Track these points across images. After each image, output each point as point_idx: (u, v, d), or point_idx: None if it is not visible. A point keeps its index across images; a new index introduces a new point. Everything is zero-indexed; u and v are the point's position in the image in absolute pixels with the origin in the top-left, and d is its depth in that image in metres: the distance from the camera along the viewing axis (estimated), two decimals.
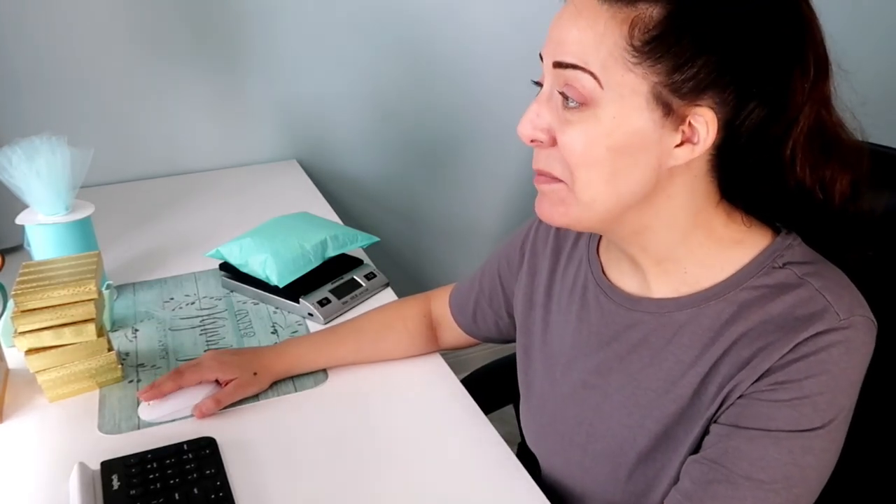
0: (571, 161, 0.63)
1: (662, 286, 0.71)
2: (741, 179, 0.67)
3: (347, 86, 1.73)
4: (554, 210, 0.67)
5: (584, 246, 0.81)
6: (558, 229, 0.84)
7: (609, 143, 0.61)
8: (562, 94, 0.62)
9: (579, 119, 0.62)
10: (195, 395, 0.88)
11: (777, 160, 0.63)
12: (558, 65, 0.62)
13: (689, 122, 0.61)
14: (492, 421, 0.89)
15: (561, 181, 0.65)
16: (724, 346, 0.66)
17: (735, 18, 0.59)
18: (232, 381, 0.89)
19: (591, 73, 0.60)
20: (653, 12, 0.58)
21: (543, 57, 0.65)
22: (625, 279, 0.75)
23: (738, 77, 0.60)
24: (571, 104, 0.62)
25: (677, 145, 0.62)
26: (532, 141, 0.66)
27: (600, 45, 0.60)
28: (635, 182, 0.63)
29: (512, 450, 0.84)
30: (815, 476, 0.63)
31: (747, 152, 0.63)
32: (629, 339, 0.73)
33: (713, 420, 0.67)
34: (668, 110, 0.60)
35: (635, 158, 0.62)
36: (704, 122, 0.61)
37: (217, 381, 0.90)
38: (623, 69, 0.59)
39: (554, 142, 0.64)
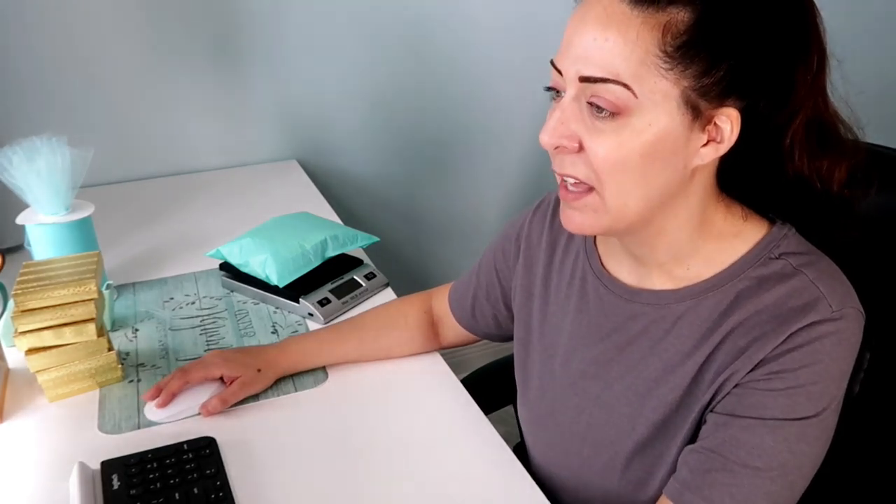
0: (603, 168, 0.63)
1: (663, 279, 0.72)
2: (742, 172, 0.68)
3: (348, 86, 1.73)
4: (585, 222, 0.67)
5: (581, 238, 0.81)
6: (553, 220, 0.85)
7: (642, 149, 0.62)
8: (591, 104, 0.62)
9: (612, 128, 0.61)
10: (201, 394, 0.88)
11: (777, 151, 0.64)
12: (586, 79, 0.61)
13: (715, 122, 0.62)
14: (492, 421, 0.89)
15: (589, 187, 0.65)
16: (721, 335, 0.67)
17: (757, 18, 0.59)
18: (236, 378, 0.90)
19: (625, 85, 0.60)
20: (683, 16, 0.59)
21: (562, 68, 0.63)
22: (623, 271, 0.76)
23: (758, 75, 0.60)
24: (603, 113, 0.61)
25: (703, 145, 0.63)
26: (556, 148, 0.65)
27: (632, 54, 0.59)
28: (664, 184, 0.64)
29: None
30: (808, 463, 0.64)
31: (752, 145, 0.64)
32: (629, 331, 0.74)
33: (708, 409, 0.68)
34: (696, 113, 0.61)
35: (666, 162, 0.63)
36: (729, 122, 0.61)
37: (221, 379, 0.91)
38: (656, 76, 0.59)
39: (580, 148, 0.64)
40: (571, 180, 0.66)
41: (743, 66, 0.60)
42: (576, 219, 0.68)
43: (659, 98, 0.60)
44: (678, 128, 0.61)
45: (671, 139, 0.62)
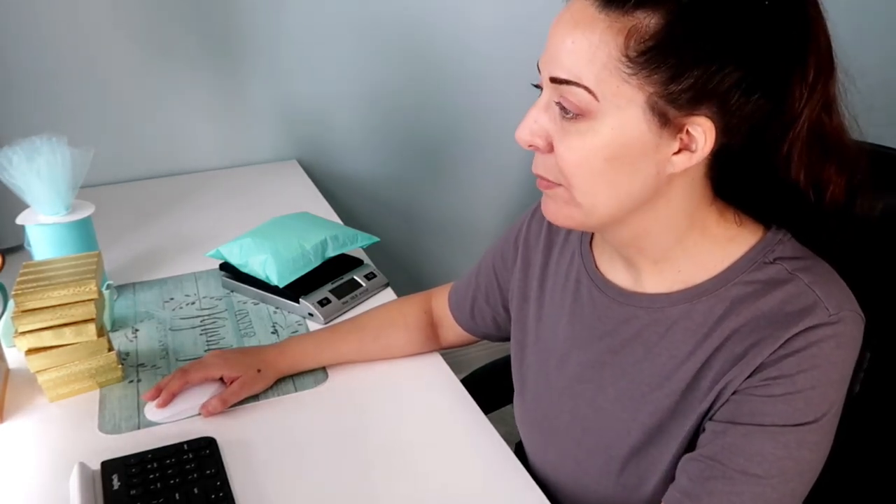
0: (570, 170, 0.64)
1: (656, 282, 0.72)
2: (736, 180, 0.67)
3: (348, 86, 1.73)
4: (559, 212, 0.68)
5: (577, 240, 0.81)
6: (551, 223, 0.85)
7: (607, 153, 0.62)
8: (559, 104, 0.63)
9: (577, 130, 0.62)
10: (201, 394, 0.88)
11: (772, 161, 0.64)
12: (554, 80, 0.62)
13: (687, 130, 0.61)
14: (492, 421, 0.89)
15: (560, 185, 0.66)
16: (717, 341, 0.67)
17: (732, 30, 0.58)
18: (237, 379, 0.90)
19: (586, 88, 0.60)
20: (650, 22, 0.58)
21: (540, 68, 0.65)
22: (618, 274, 0.76)
23: (737, 85, 0.59)
24: (569, 115, 0.62)
25: (675, 153, 0.62)
26: (530, 146, 0.66)
27: (594, 57, 0.59)
28: (634, 189, 0.64)
29: (511, 449, 0.84)
30: (808, 469, 0.64)
31: (744, 155, 0.64)
32: (622, 334, 0.74)
33: (707, 416, 0.67)
34: (664, 120, 0.60)
35: (633, 167, 0.62)
36: (702, 131, 0.60)
37: (221, 380, 0.91)
38: (618, 80, 0.59)
39: (551, 148, 0.65)
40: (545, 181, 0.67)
41: (716, 75, 0.58)
42: (551, 207, 0.69)
43: (623, 103, 0.60)
44: (645, 134, 0.61)
45: (638, 145, 0.61)
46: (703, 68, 0.58)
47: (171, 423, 0.87)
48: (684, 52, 0.58)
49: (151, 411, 0.87)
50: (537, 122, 0.65)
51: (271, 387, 0.93)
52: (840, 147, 0.64)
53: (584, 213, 0.66)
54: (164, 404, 0.87)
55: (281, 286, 1.09)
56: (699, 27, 0.58)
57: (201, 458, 0.79)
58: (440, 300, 1.01)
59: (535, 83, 0.67)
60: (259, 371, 0.91)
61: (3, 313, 0.98)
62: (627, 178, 0.63)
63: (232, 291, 1.17)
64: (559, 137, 0.63)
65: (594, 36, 0.59)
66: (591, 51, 0.59)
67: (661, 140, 0.61)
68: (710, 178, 0.67)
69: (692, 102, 0.59)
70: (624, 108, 0.60)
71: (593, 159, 0.62)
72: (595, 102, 0.60)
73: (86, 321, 0.89)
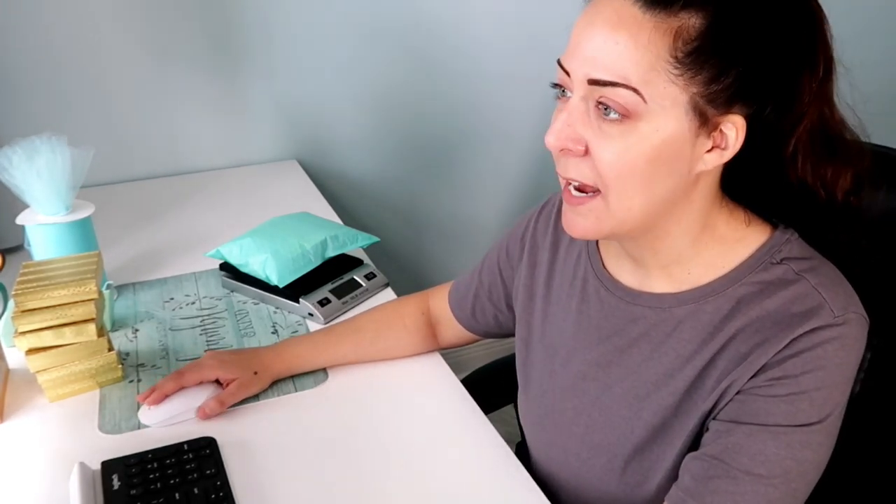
0: (609, 173, 0.63)
1: (664, 282, 0.72)
2: (745, 178, 0.67)
3: (348, 86, 1.73)
4: (589, 227, 0.67)
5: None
6: (557, 220, 0.85)
7: (650, 155, 0.61)
8: (599, 106, 0.61)
9: (620, 132, 0.61)
10: (196, 397, 0.88)
11: (780, 158, 0.64)
12: (594, 82, 0.61)
13: (720, 129, 0.62)
14: (492, 421, 0.89)
15: (594, 191, 0.65)
16: (722, 341, 0.67)
17: (766, 25, 0.59)
18: (233, 381, 0.89)
19: (634, 89, 0.59)
20: (694, 23, 0.58)
21: (570, 70, 0.63)
22: (625, 273, 0.76)
23: (765, 82, 0.60)
24: (611, 116, 0.61)
25: (707, 151, 0.63)
26: (561, 150, 0.65)
27: (642, 58, 0.59)
28: (668, 189, 0.64)
29: (511, 449, 0.84)
30: (811, 470, 0.64)
31: (756, 151, 0.64)
32: (629, 333, 0.74)
33: (710, 415, 0.68)
34: (703, 119, 0.61)
35: (671, 167, 0.63)
36: (734, 129, 0.61)
37: (218, 382, 0.90)
38: (665, 81, 0.59)
39: (586, 151, 0.63)
40: (575, 184, 0.66)
41: (751, 73, 0.60)
42: (579, 223, 0.68)
43: (668, 104, 0.60)
44: (685, 134, 0.61)
45: (677, 145, 0.61)
46: (740, 67, 0.59)
47: (166, 426, 0.86)
48: (726, 51, 0.59)
49: (145, 415, 0.87)
50: (570, 125, 0.63)
51: (271, 387, 0.93)
52: (842, 141, 0.65)
53: (617, 221, 0.65)
54: (155, 402, 0.86)
55: (281, 286, 1.09)
56: (738, 26, 0.59)
57: (201, 458, 0.79)
58: (438, 300, 1.01)
59: (554, 83, 0.66)
60: (256, 373, 0.91)
61: (3, 313, 0.98)
62: (664, 178, 0.63)
63: (232, 291, 1.17)
64: (597, 140, 0.62)
65: (642, 36, 0.59)
66: (638, 52, 0.59)
67: (698, 139, 0.62)
68: (721, 178, 0.68)
69: (729, 101, 0.60)
70: (668, 109, 0.60)
71: (636, 161, 0.61)
72: (643, 104, 0.60)
73: (86, 321, 0.89)
